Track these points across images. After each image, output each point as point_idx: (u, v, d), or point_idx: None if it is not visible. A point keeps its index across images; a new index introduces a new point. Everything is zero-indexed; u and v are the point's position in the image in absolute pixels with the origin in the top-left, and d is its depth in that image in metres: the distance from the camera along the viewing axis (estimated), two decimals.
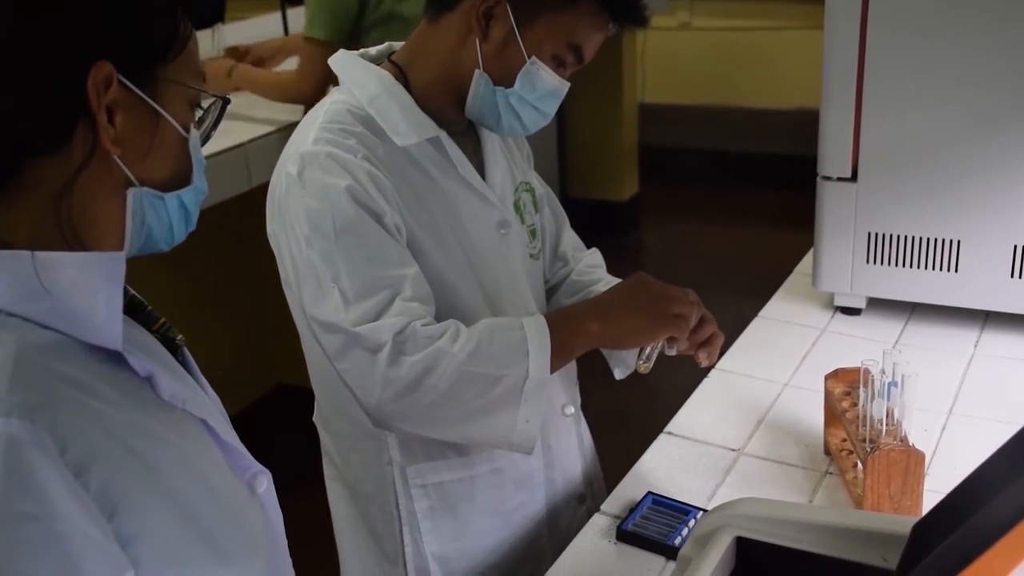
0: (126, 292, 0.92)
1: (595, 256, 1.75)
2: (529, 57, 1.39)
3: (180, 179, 0.93)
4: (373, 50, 1.50)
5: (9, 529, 0.74)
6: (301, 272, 1.34)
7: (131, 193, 0.89)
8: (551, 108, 1.46)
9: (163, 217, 0.93)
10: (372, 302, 1.30)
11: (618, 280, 1.63)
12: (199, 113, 0.96)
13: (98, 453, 0.80)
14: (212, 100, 0.98)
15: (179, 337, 1.00)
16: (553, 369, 1.35)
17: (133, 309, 0.96)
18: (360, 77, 1.43)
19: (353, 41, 2.93)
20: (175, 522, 0.86)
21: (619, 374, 1.61)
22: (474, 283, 1.46)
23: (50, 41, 0.83)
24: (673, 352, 1.46)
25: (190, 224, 0.97)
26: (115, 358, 0.86)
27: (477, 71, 1.40)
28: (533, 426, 1.34)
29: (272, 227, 1.40)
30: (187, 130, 0.92)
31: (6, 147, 0.84)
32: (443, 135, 1.43)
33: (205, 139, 0.97)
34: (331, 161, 1.34)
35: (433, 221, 1.42)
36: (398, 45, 1.51)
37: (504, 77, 1.41)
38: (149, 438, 0.86)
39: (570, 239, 1.73)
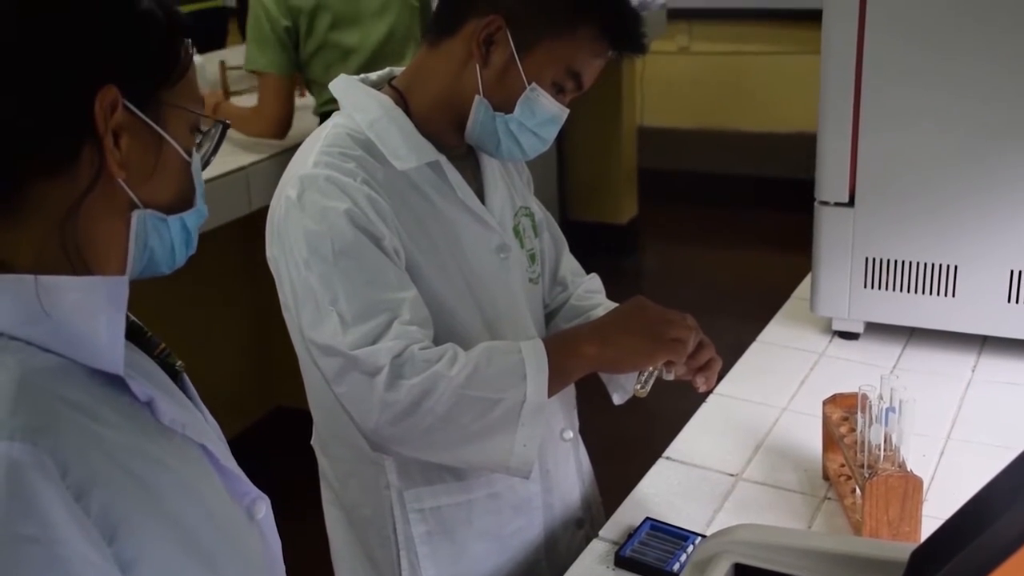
0: (127, 317, 0.93)
1: (594, 281, 1.75)
2: (529, 83, 1.40)
3: (183, 202, 0.95)
4: (374, 75, 1.51)
5: (10, 552, 0.74)
6: (300, 295, 1.35)
7: (135, 215, 0.90)
8: (550, 134, 1.47)
9: (166, 239, 0.94)
10: (370, 325, 1.31)
11: (617, 304, 1.64)
12: (199, 137, 0.97)
13: (99, 476, 0.80)
14: (212, 125, 0.99)
15: (179, 363, 1.00)
16: (551, 393, 1.35)
17: (134, 334, 0.96)
18: (360, 101, 1.44)
19: (299, 70, 2.97)
20: (175, 546, 0.86)
21: (617, 399, 1.61)
22: (473, 307, 1.47)
23: (58, 64, 0.84)
24: (671, 377, 1.46)
25: (191, 247, 0.98)
26: (116, 382, 0.86)
27: (477, 96, 1.41)
28: (531, 450, 1.34)
29: (271, 250, 1.41)
30: (189, 153, 0.93)
31: (13, 168, 0.85)
32: (443, 159, 1.44)
33: (205, 163, 0.98)
34: (330, 184, 1.34)
35: (433, 245, 1.43)
36: (399, 70, 1.52)
37: (504, 103, 1.41)
38: (149, 462, 0.86)
39: (569, 264, 1.74)
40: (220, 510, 0.93)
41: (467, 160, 1.52)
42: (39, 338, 0.83)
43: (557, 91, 1.43)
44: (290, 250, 1.35)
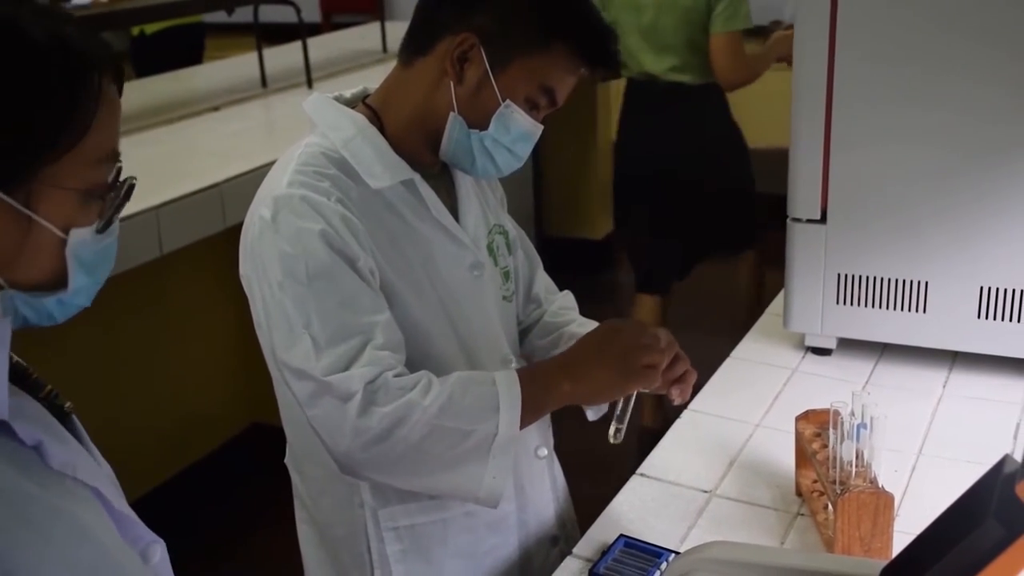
0: (10, 358, 0.87)
1: (568, 298, 1.75)
2: (503, 100, 1.40)
3: (56, 282, 0.86)
4: (348, 93, 1.51)
5: None
6: (273, 317, 1.34)
7: None
8: (525, 151, 1.47)
9: (41, 310, 0.87)
10: (342, 349, 1.30)
11: (591, 323, 1.64)
12: (100, 201, 0.87)
13: None
14: (119, 184, 0.89)
15: (68, 404, 0.95)
16: (523, 425, 1.36)
17: (17, 377, 0.90)
18: (334, 120, 1.44)
19: None
20: None
21: (592, 415, 1.61)
22: (447, 326, 1.47)
23: None
24: (647, 391, 1.47)
25: (76, 310, 0.90)
26: (1, 427, 0.82)
27: (452, 114, 1.41)
28: (500, 482, 1.35)
29: (244, 269, 1.40)
30: (67, 231, 0.84)
31: None
32: (417, 177, 1.44)
33: (106, 225, 0.88)
34: (304, 205, 1.34)
35: (407, 264, 1.43)
36: (372, 88, 1.52)
37: (478, 120, 1.42)
38: (42, 508, 0.82)
39: (543, 281, 1.74)
40: (116, 552, 0.90)
41: (441, 178, 1.52)
42: None
43: (531, 108, 1.43)
44: (264, 271, 1.35)
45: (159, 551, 0.98)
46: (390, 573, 1.49)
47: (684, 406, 1.84)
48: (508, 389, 1.35)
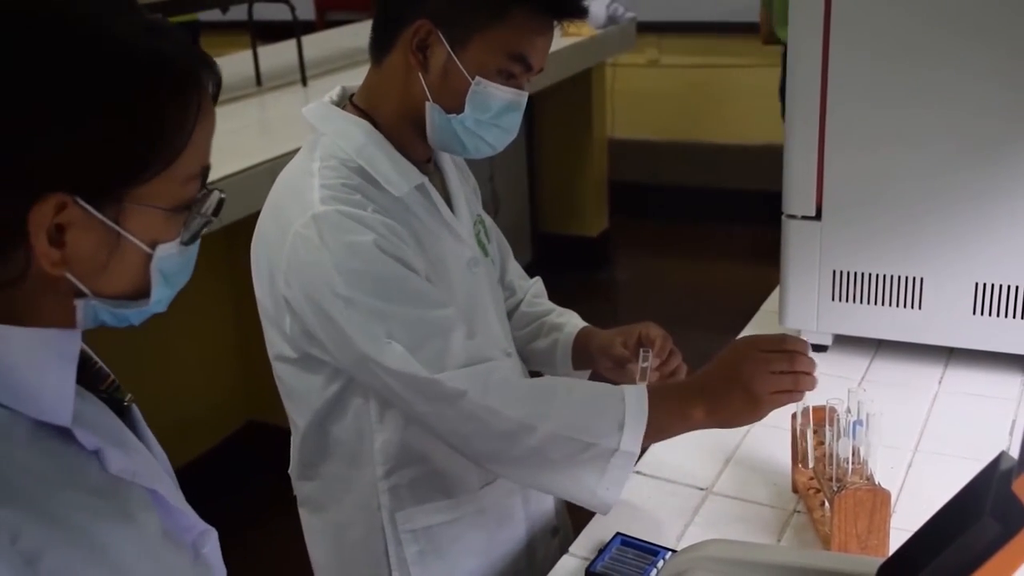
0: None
1: (538, 285, 1.78)
2: (472, 78, 1.38)
3: (139, 293, 0.88)
4: (334, 94, 1.49)
5: None
6: (347, 334, 1.32)
7: (79, 304, 0.85)
8: (512, 122, 1.44)
9: (121, 317, 0.89)
10: (435, 346, 1.32)
11: (567, 312, 1.69)
12: (188, 216, 0.87)
13: (50, 539, 0.78)
14: (204, 195, 0.89)
15: (128, 397, 0.96)
16: (646, 444, 1.36)
17: (81, 366, 0.90)
18: (342, 128, 1.43)
19: None
20: None
21: None
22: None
23: (1, 173, 0.76)
24: (644, 384, 1.47)
25: (150, 315, 0.91)
26: (62, 433, 0.83)
27: (428, 103, 1.40)
28: (614, 493, 1.35)
29: (282, 291, 1.37)
30: (154, 246, 0.85)
31: None
32: (426, 180, 1.44)
33: (193, 237, 0.89)
34: (347, 219, 1.33)
35: (430, 265, 1.43)
36: (352, 87, 1.49)
37: (454, 104, 1.40)
38: (97, 517, 0.83)
39: (515, 269, 1.76)
40: (165, 561, 0.90)
41: (435, 175, 1.52)
42: None
43: (506, 78, 1.40)
44: (320, 289, 1.33)
45: (211, 540, 0.99)
46: (408, 574, 1.49)
47: None
48: (636, 407, 1.34)
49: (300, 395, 1.46)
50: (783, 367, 1.35)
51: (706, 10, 5.70)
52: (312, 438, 1.50)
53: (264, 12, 3.99)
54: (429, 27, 1.36)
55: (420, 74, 1.39)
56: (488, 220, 1.67)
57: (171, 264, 0.88)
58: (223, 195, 0.90)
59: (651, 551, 1.41)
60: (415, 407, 1.34)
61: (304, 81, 3.80)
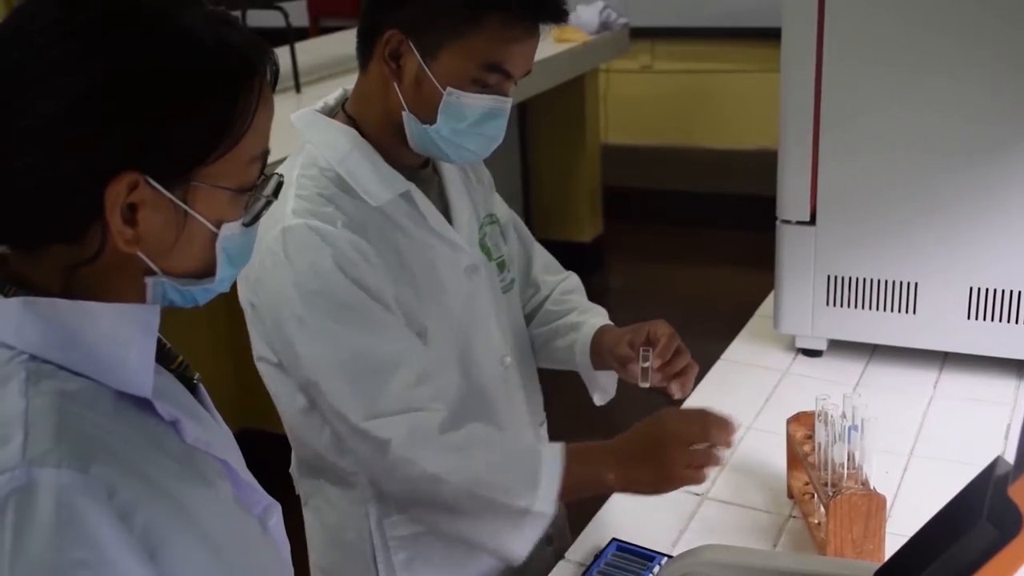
0: None
1: (571, 280, 1.73)
2: (444, 88, 1.34)
3: (205, 271, 0.93)
4: (331, 99, 1.48)
5: None
6: (297, 354, 1.34)
7: (150, 282, 0.90)
8: (494, 129, 1.40)
9: (187, 295, 0.93)
10: (372, 385, 1.32)
11: (592, 309, 1.65)
12: (248, 199, 0.93)
13: (141, 497, 0.83)
14: (266, 178, 0.94)
15: (196, 376, 1.01)
16: (561, 500, 1.36)
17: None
18: (326, 136, 1.42)
19: None
20: (207, 561, 0.88)
21: (599, 399, 1.62)
22: (449, 334, 1.46)
23: (79, 153, 0.82)
24: (647, 385, 1.46)
25: (215, 295, 0.96)
26: (142, 404, 0.88)
27: (404, 112, 1.38)
28: (525, 548, 1.36)
29: (250, 297, 1.39)
30: (219, 225, 0.90)
31: (24, 232, 0.87)
32: (412, 187, 1.42)
33: (254, 219, 0.94)
34: (313, 235, 1.33)
35: (411, 276, 1.42)
36: (350, 89, 1.48)
37: (428, 114, 1.37)
38: (180, 481, 0.88)
39: (541, 261, 1.72)
40: (239, 525, 0.96)
41: (432, 180, 1.50)
42: (69, 362, 0.84)
43: (483, 86, 1.36)
44: (279, 305, 1.34)
45: (276, 513, 1.04)
46: None
47: (684, 398, 1.84)
48: (551, 468, 1.34)
49: (280, 397, 1.46)
50: (700, 445, 1.34)
51: (699, 16, 5.71)
52: (302, 444, 1.51)
53: (257, 19, 3.98)
54: (400, 37, 1.34)
55: (395, 84, 1.37)
56: (506, 216, 1.64)
57: (234, 244, 0.92)
58: (281, 178, 0.95)
59: (647, 557, 1.41)
60: (344, 440, 1.37)
61: (298, 88, 3.79)
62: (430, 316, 1.44)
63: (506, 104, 1.38)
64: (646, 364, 1.47)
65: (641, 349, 1.49)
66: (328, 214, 1.34)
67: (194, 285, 0.92)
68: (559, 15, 1.37)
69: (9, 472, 0.78)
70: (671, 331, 1.46)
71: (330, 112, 1.47)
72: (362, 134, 1.42)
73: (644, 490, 1.38)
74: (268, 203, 0.95)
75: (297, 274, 1.32)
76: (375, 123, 1.42)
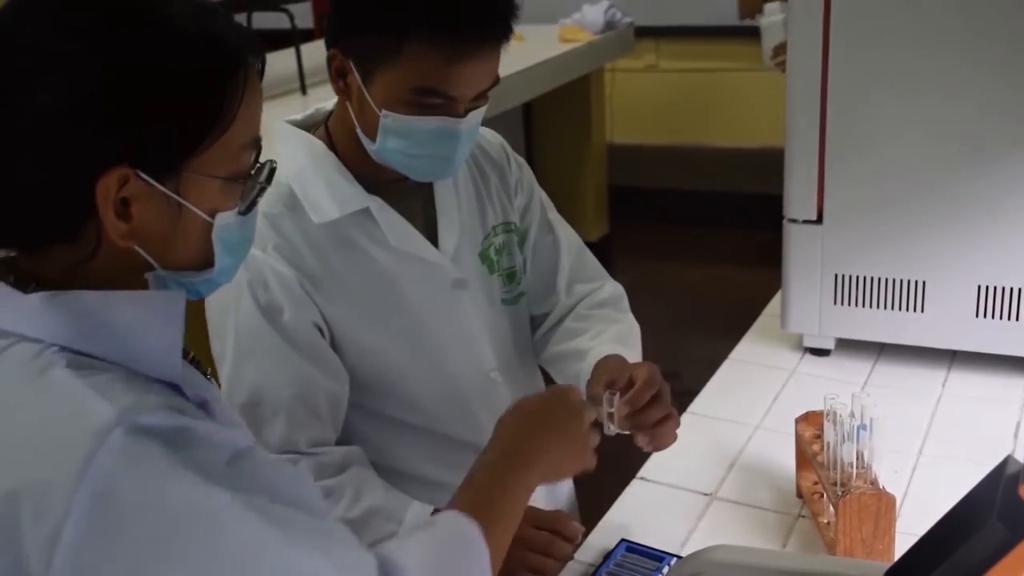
0: None
1: (603, 291, 1.65)
2: (379, 110, 1.31)
3: (204, 263, 0.94)
4: (326, 108, 1.46)
5: (170, 524, 0.79)
6: (218, 365, 1.38)
7: (150, 277, 0.92)
8: (447, 149, 1.34)
9: (190, 288, 0.95)
10: (256, 413, 1.35)
11: (612, 330, 1.57)
12: (242, 188, 0.93)
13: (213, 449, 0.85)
14: (259, 167, 0.95)
15: (208, 371, 1.03)
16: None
17: None
18: (289, 149, 1.40)
19: None
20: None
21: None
22: (417, 352, 1.45)
23: (69, 151, 0.83)
24: (611, 432, 1.35)
25: (218, 287, 0.98)
26: (171, 389, 0.90)
27: (357, 129, 1.37)
28: None
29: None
30: (213, 215, 0.91)
31: (21, 233, 0.88)
32: (376, 204, 1.39)
33: (249, 207, 0.95)
34: (252, 261, 1.33)
35: (364, 298, 1.40)
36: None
37: (372, 133, 1.34)
38: (229, 448, 0.89)
39: (570, 267, 1.64)
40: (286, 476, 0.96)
41: (417, 194, 1.46)
42: (100, 351, 0.86)
43: (423, 109, 1.31)
44: (220, 318, 1.39)
45: None
46: None
47: (682, 409, 1.84)
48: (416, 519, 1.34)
49: None
50: (539, 547, 1.32)
51: (704, 14, 5.69)
52: None
53: (263, 21, 3.99)
54: (340, 58, 1.33)
55: (346, 101, 1.36)
56: (536, 221, 1.60)
57: (231, 233, 0.93)
58: (275, 164, 0.96)
59: (656, 557, 1.41)
60: None
61: (304, 89, 3.80)
62: (385, 333, 1.42)
63: (456, 124, 1.32)
64: (611, 409, 1.34)
65: (607, 392, 1.35)
66: (261, 235, 1.32)
67: (195, 277, 0.93)
68: (487, 32, 1.29)
69: (115, 429, 0.79)
70: (650, 376, 1.35)
71: (316, 123, 1.45)
72: (336, 147, 1.41)
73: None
74: (263, 190, 0.95)
75: (226, 289, 1.32)
76: (345, 137, 1.40)
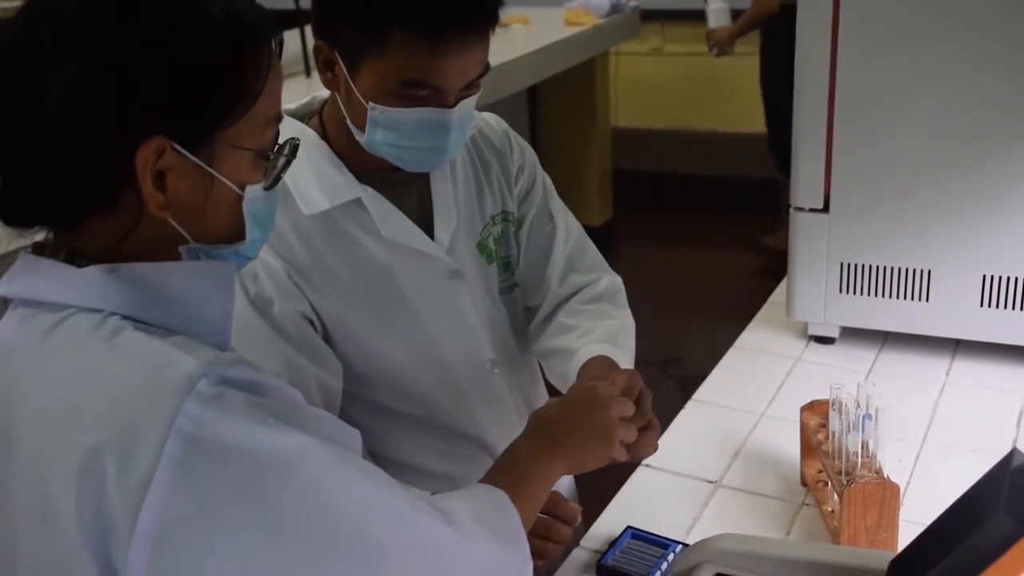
0: None
1: (599, 284, 1.63)
2: (367, 102, 1.30)
3: (235, 234, 0.97)
4: (323, 95, 1.45)
5: (257, 472, 0.84)
6: None
7: (183, 250, 0.94)
8: (437, 140, 1.33)
9: (224, 260, 0.98)
10: None
11: (604, 326, 1.55)
12: (266, 163, 0.97)
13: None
14: (281, 145, 0.99)
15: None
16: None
17: None
18: (280, 139, 1.40)
19: None
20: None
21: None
22: (412, 343, 1.45)
23: (107, 123, 0.86)
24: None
25: (247, 262, 1.02)
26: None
27: (347, 120, 1.36)
28: None
29: None
30: (243, 188, 0.94)
31: (59, 208, 0.90)
32: (368, 194, 1.38)
33: (274, 182, 0.98)
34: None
35: (359, 288, 1.40)
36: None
37: (361, 124, 1.34)
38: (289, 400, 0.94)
39: (565, 257, 1.62)
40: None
41: (411, 183, 1.45)
42: (159, 319, 0.90)
43: (411, 101, 1.30)
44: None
45: None
46: None
47: (686, 395, 1.85)
48: None
49: None
50: (538, 531, 1.31)
51: None
52: None
53: (267, 1, 3.99)
54: (326, 49, 1.32)
55: (335, 92, 1.36)
56: (535, 209, 1.59)
57: (259, 207, 0.97)
58: (297, 141, 1.00)
59: (661, 544, 1.42)
60: None
61: (308, 71, 3.79)
62: (379, 325, 1.42)
63: (446, 115, 1.31)
64: None
65: None
66: None
67: (225, 249, 0.97)
68: (471, 22, 1.28)
69: (201, 379, 0.83)
70: (628, 386, 1.33)
71: (312, 112, 1.45)
72: (329, 137, 1.41)
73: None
74: (287, 164, 0.99)
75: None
76: (338, 127, 1.39)
